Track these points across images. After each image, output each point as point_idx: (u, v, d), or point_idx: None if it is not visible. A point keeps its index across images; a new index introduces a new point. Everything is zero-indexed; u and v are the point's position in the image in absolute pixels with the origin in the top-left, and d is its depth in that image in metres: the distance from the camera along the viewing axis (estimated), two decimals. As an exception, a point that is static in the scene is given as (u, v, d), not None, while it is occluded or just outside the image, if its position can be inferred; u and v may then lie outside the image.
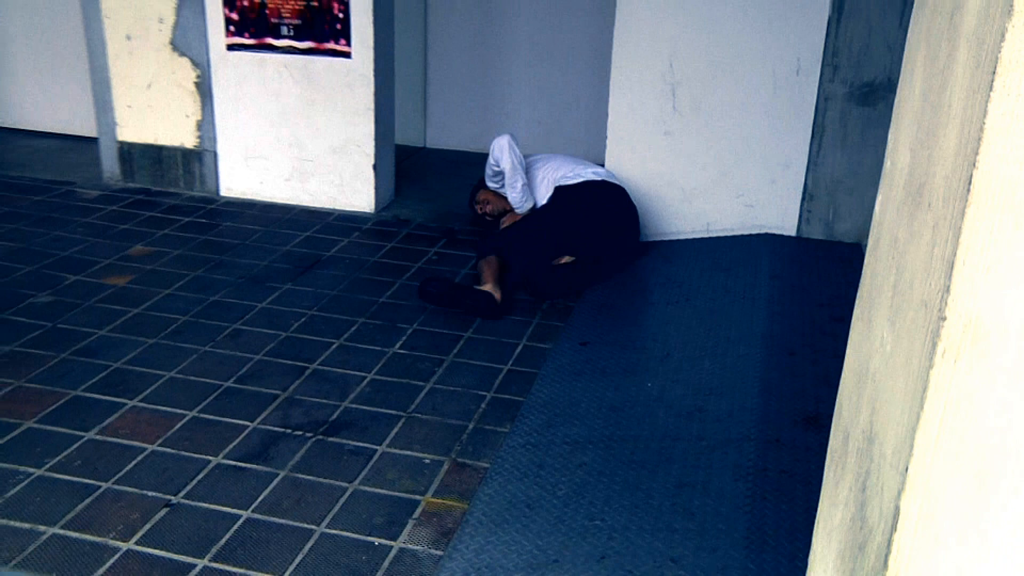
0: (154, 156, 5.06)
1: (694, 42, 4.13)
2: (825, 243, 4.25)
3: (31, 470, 2.68)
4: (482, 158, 5.85)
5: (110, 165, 5.18)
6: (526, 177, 4.21)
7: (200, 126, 4.94)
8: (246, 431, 2.91)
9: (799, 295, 3.69)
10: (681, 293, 3.79)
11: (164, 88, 4.92)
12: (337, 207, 4.87)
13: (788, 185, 4.25)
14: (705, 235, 4.41)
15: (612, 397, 3.01)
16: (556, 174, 4.19)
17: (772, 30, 4.04)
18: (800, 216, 4.29)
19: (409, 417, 3.00)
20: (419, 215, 4.81)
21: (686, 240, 4.38)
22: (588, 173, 4.13)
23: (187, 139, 4.98)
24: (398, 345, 3.46)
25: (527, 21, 5.65)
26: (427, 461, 2.78)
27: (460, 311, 3.68)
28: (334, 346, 3.44)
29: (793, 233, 4.32)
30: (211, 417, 2.99)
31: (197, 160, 5.00)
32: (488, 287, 3.70)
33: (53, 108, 6.05)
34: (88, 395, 3.09)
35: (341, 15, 4.51)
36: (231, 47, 4.74)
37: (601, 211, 3.99)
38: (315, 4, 4.52)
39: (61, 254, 4.23)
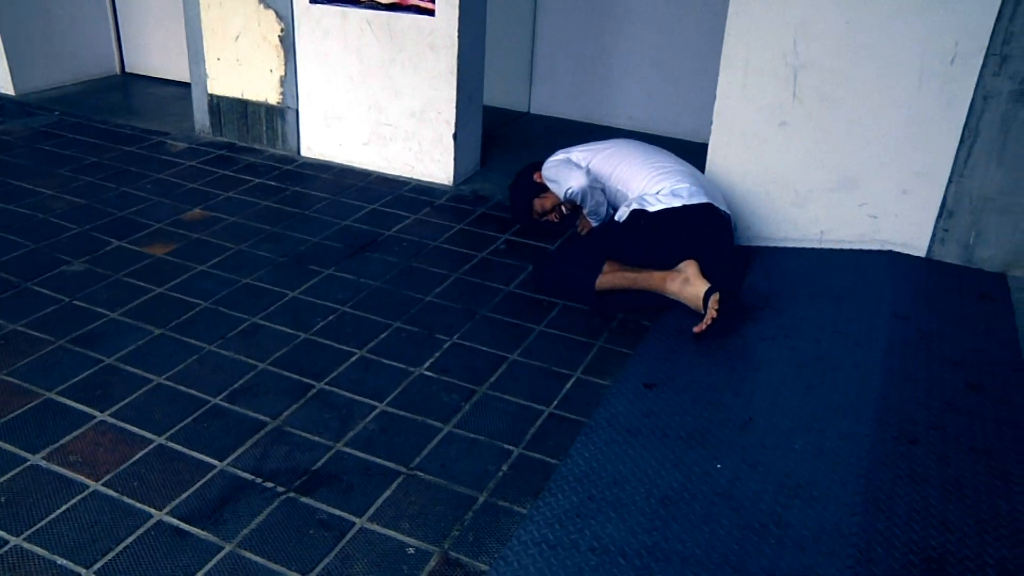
0: (240, 111, 4.25)
1: (826, 17, 2.95)
2: (961, 269, 3.05)
3: (-70, 512, 1.92)
4: (588, 129, 4.80)
5: (201, 117, 4.40)
6: (600, 185, 3.14)
7: (283, 82, 4.07)
8: (209, 475, 2.06)
9: (928, 346, 2.54)
10: (780, 326, 2.70)
11: (251, 41, 4.06)
12: (415, 176, 3.94)
13: (923, 197, 3.06)
14: (817, 245, 3.27)
15: (668, 480, 2.01)
16: (633, 184, 3.04)
17: (926, 6, 2.83)
18: (933, 235, 3.09)
19: (409, 476, 2.08)
20: (501, 191, 3.83)
21: (794, 250, 3.26)
22: (674, 190, 2.92)
23: (271, 95, 4.13)
24: (427, 364, 2.54)
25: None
26: (411, 551, 1.86)
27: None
28: (353, 359, 2.55)
29: (922, 253, 3.13)
30: (178, 448, 2.15)
31: (280, 117, 4.15)
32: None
33: (174, 56, 5.32)
34: (61, 400, 2.31)
35: (426, -32, 3.53)
36: (314, 0, 3.84)
37: (688, 245, 2.84)
38: (402, -45, 3.55)
39: (118, 214, 3.47)
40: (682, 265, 2.76)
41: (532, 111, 5.11)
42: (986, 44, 2.79)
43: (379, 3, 3.67)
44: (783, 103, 3.11)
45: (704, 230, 2.87)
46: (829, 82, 3.02)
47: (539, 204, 3.33)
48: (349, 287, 2.96)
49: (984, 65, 2.82)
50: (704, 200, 2.90)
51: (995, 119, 2.87)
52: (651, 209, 2.86)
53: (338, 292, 2.92)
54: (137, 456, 2.11)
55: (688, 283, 2.72)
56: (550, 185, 3.20)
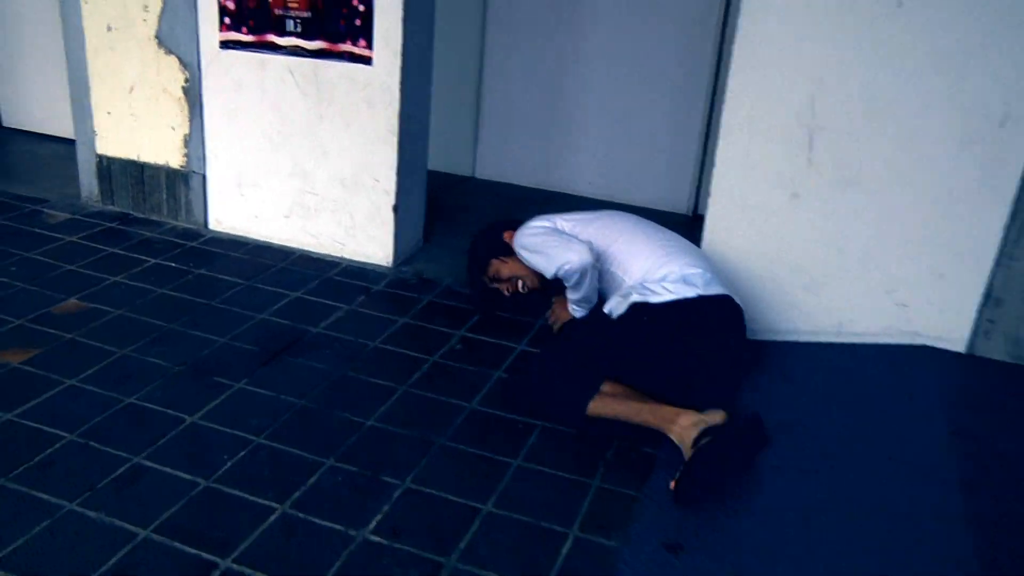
0: (136, 175, 3.56)
1: (850, 70, 2.47)
2: (1010, 368, 2.57)
3: None
4: (544, 197, 4.25)
5: (88, 182, 3.68)
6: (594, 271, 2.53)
7: (187, 142, 3.41)
8: None
9: (1014, 476, 2.02)
10: (820, 452, 2.13)
11: (149, 92, 3.39)
12: (346, 256, 3.30)
13: (963, 282, 2.58)
14: (835, 339, 2.76)
15: None
16: (633, 266, 2.46)
17: (970, 60, 2.38)
18: (976, 327, 2.61)
19: None
20: (449, 274, 3.22)
21: (809, 345, 2.73)
22: (686, 276, 2.37)
23: (173, 157, 3.46)
24: (373, 524, 1.86)
25: (606, 34, 4.01)
26: None
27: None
28: (272, 517, 1.86)
29: (962, 348, 2.65)
30: None
31: (183, 183, 3.48)
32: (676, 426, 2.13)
33: (60, 108, 4.58)
34: None
35: (362, 7, 2.94)
36: (225, 44, 3.20)
37: (698, 349, 2.28)
38: (332, -7, 2.97)
39: (-34, 305, 2.75)
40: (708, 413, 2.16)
41: (477, 175, 4.55)
42: (1041, 104, 2.36)
43: (304, 49, 3.07)
44: (795, 171, 2.60)
45: (725, 332, 2.31)
46: (851, 147, 2.54)
47: (495, 267, 2.73)
48: (266, 408, 2.28)
49: (1038, 129, 2.39)
50: (722, 291, 2.35)
51: (1050, 192, 2.43)
52: (656, 300, 2.29)
53: (251, 415, 2.24)
54: None
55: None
56: (527, 256, 2.59)
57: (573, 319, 2.64)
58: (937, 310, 2.62)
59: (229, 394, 2.33)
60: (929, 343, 2.65)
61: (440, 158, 4.27)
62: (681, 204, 4.04)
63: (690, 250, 2.54)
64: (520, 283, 2.74)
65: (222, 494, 1.93)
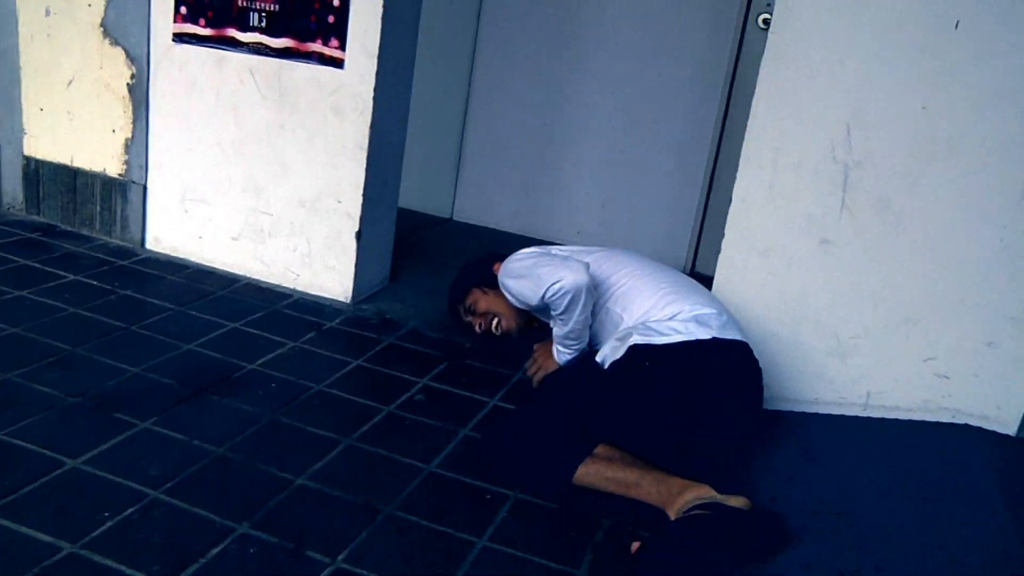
0: (68, 182, 3.13)
1: (895, 99, 2.13)
2: (1071, 457, 2.20)
3: None
4: (524, 241, 3.87)
5: (12, 188, 3.24)
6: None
7: (129, 147, 3.00)
8: None
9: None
10: (861, 546, 1.69)
11: (89, 89, 2.99)
12: (299, 287, 2.88)
13: (1018, 353, 2.21)
14: (862, 412, 2.35)
15: None
16: (632, 306, 2.08)
17: (1038, 91, 2.05)
18: (1031, 405, 2.24)
19: None
20: (415, 316, 2.80)
21: (830, 418, 2.33)
22: (698, 316, 1.99)
23: (111, 164, 3.04)
24: (286, 617, 1.44)
25: (604, 72, 3.68)
26: None
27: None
28: (151, 602, 1.43)
29: (1012, 431, 2.25)
30: None
31: (121, 194, 3.05)
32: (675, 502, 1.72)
33: None
34: None
35: (336, 2, 2.59)
36: (180, 37, 2.82)
37: (710, 401, 1.87)
38: (304, -13, 2.62)
39: None
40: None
41: (456, 217, 4.17)
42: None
43: (268, 47, 2.69)
44: (827, 213, 2.24)
45: (741, 386, 1.91)
46: (893, 187, 2.18)
47: (475, 296, 2.37)
48: (173, 454, 1.83)
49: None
50: (741, 338, 1.96)
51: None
52: (661, 341, 1.88)
53: (153, 463, 1.78)
54: None
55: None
56: (511, 286, 2.19)
57: (558, 369, 2.23)
58: (984, 385, 2.23)
59: (130, 435, 1.87)
60: (972, 422, 2.26)
61: (416, 196, 3.90)
62: (679, 260, 3.66)
63: (703, 291, 2.15)
64: (495, 321, 2.34)
65: (88, 565, 1.46)
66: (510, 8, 3.79)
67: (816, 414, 2.34)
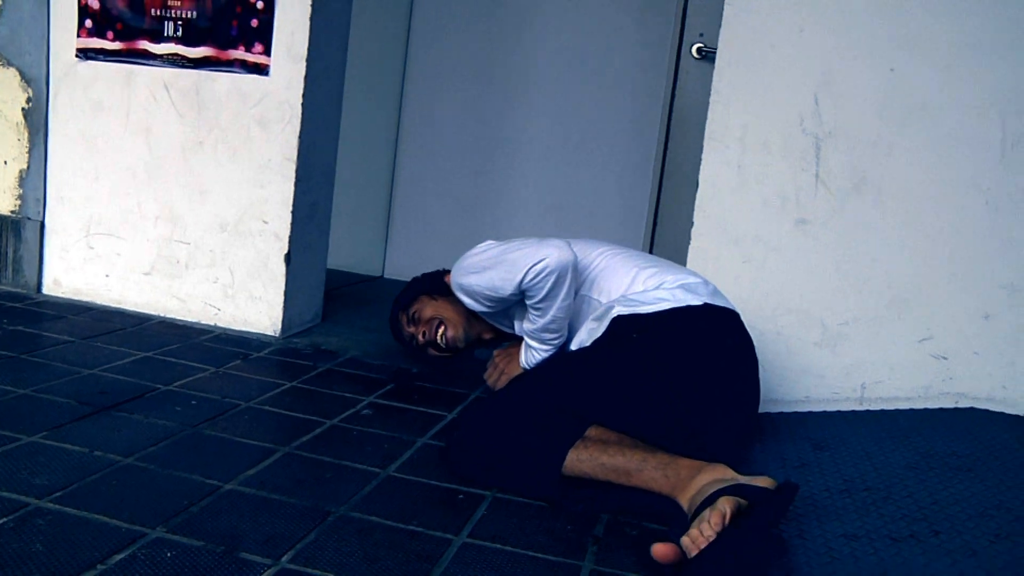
0: (-48, 227, 2.77)
1: (862, 63, 2.03)
2: (1085, 437, 2.01)
3: None
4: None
5: None
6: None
7: (23, 179, 2.67)
8: None
9: None
10: (897, 523, 1.46)
11: (-20, 121, 2.70)
12: (220, 324, 2.56)
13: (1015, 324, 2.06)
14: (858, 406, 2.14)
15: None
16: (613, 281, 1.84)
17: (1011, 40, 1.97)
18: (1036, 384, 2.07)
19: None
20: (355, 347, 2.48)
21: (825, 416, 2.10)
22: (685, 284, 1.78)
23: (2, 199, 2.71)
24: (217, 622, 1.09)
25: (543, 109, 3.56)
26: None
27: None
28: (29, 614, 1.06)
29: (1020, 410, 2.08)
30: None
31: (13, 233, 2.69)
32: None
33: None
34: None
35: (261, 3, 2.38)
36: (84, 53, 2.56)
37: (708, 368, 1.63)
38: (224, -6, 2.41)
39: None
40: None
41: (387, 275, 3.89)
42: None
43: (185, 58, 2.45)
44: (801, 190, 2.08)
45: (739, 355, 1.67)
46: (868, 157, 2.04)
47: (420, 303, 2.12)
48: (65, 465, 1.46)
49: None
50: (731, 306, 1.73)
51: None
52: (647, 310, 1.64)
53: (39, 474, 1.41)
54: None
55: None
56: (473, 281, 1.90)
57: (523, 373, 1.95)
58: (986, 362, 2.04)
59: (6, 449, 1.50)
60: (979, 405, 2.06)
61: (343, 254, 3.62)
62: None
63: (684, 268, 1.93)
64: (440, 329, 2.06)
65: (-52, 579, 1.09)
66: (439, 51, 3.66)
67: (807, 412, 2.11)
